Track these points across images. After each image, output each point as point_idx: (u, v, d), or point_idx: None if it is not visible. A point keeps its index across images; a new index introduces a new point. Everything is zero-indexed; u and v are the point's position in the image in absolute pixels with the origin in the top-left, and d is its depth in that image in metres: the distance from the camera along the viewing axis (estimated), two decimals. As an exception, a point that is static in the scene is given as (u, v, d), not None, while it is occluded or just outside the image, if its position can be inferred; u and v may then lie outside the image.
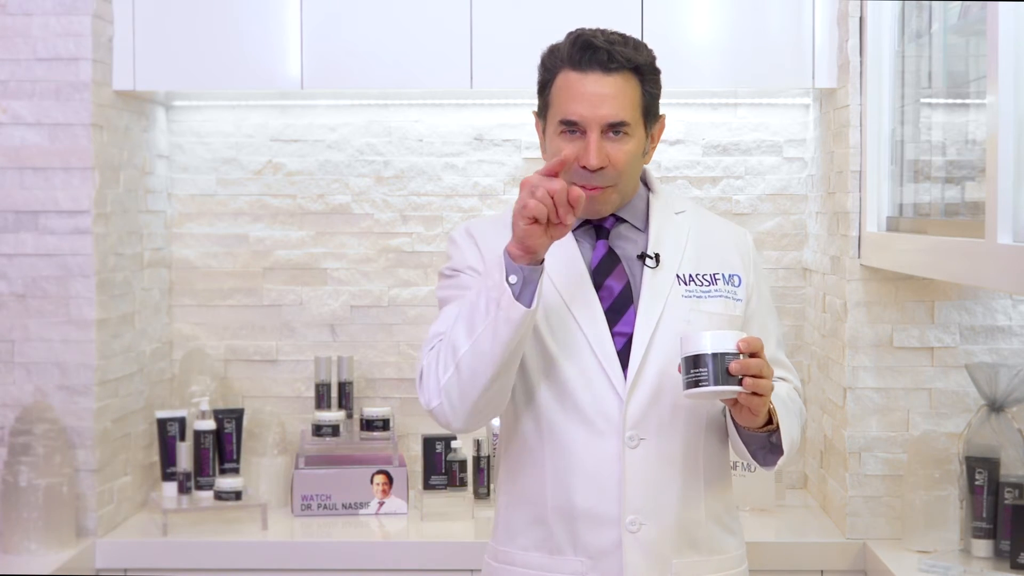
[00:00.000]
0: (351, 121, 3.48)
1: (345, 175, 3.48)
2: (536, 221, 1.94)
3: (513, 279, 1.98)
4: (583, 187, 2.08)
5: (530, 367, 2.15)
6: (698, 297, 2.16)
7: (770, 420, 2.07)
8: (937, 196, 2.73)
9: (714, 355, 1.93)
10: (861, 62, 2.92)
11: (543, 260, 2.01)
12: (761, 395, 1.97)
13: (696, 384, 1.94)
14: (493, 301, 1.99)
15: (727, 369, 1.93)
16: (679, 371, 1.98)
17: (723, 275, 2.19)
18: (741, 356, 1.94)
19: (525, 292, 1.99)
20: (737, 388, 1.94)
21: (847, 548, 2.91)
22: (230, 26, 3.08)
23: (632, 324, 2.13)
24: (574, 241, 2.18)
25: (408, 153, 3.48)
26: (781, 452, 2.09)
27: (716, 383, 1.93)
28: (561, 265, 2.16)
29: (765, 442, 2.12)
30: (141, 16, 3.06)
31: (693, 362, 1.95)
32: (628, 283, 2.16)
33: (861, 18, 2.93)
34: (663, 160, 3.43)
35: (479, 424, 2.13)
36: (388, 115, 3.48)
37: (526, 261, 1.98)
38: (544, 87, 2.18)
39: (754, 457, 2.14)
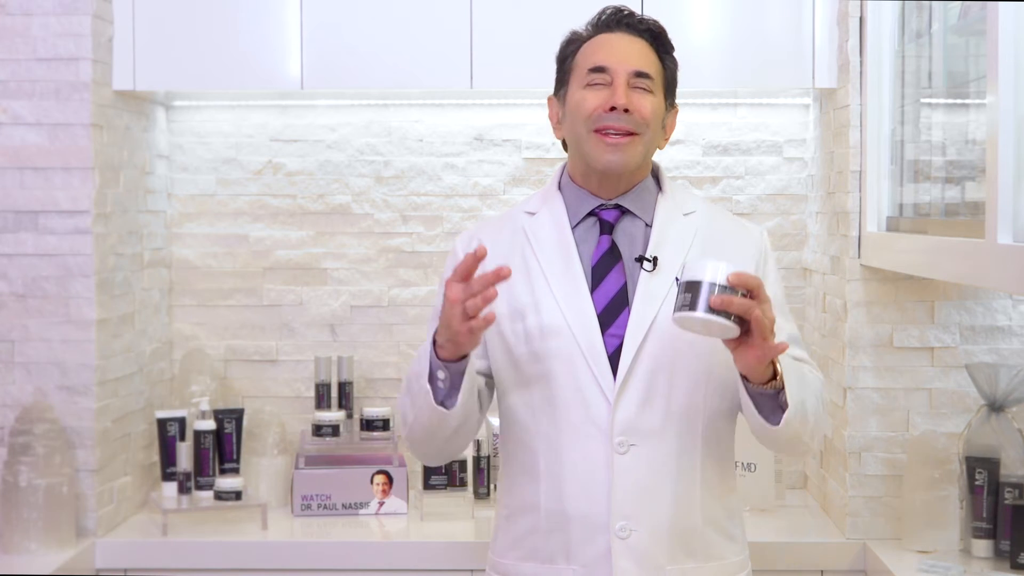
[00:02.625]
0: (351, 121, 3.48)
1: (345, 175, 3.48)
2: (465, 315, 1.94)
3: (441, 375, 2.04)
4: (607, 132, 2.10)
5: (524, 371, 2.14)
6: None
7: (775, 376, 2.00)
8: (937, 196, 2.73)
9: (709, 284, 1.87)
10: (861, 62, 2.92)
11: (467, 355, 2.02)
12: (752, 326, 1.89)
13: (682, 308, 1.90)
14: (423, 392, 2.05)
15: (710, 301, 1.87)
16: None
17: None
18: (732, 291, 1.87)
19: (452, 389, 2.04)
20: (720, 320, 1.87)
21: (847, 548, 2.91)
22: (230, 26, 3.08)
23: (626, 327, 2.11)
24: (572, 240, 2.17)
25: (408, 153, 3.48)
26: (785, 408, 2.00)
27: (701, 310, 1.87)
28: (558, 264, 2.15)
29: (775, 405, 2.03)
30: (141, 16, 3.06)
31: (685, 287, 1.90)
32: (625, 284, 2.13)
33: (861, 18, 2.93)
34: (663, 160, 3.43)
35: (452, 459, 2.32)
36: (388, 115, 3.48)
37: (452, 354, 2.00)
38: (565, 59, 2.21)
39: (765, 419, 2.04)
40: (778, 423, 2.02)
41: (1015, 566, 2.64)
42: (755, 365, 1.96)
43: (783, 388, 2.00)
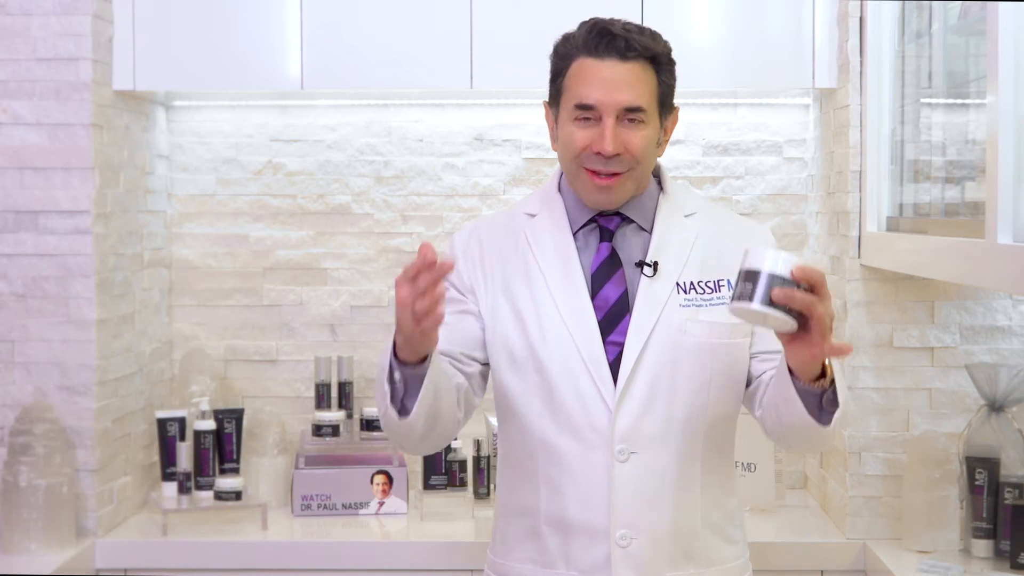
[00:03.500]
0: (351, 121, 3.48)
1: (345, 175, 3.48)
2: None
3: (397, 376, 1.96)
4: (597, 174, 2.07)
5: (524, 375, 2.13)
6: (698, 306, 2.11)
7: (822, 375, 1.93)
8: (937, 196, 2.73)
9: (769, 275, 1.80)
10: (861, 62, 2.92)
11: (427, 357, 1.94)
12: (812, 324, 1.82)
13: (739, 298, 1.83)
14: (382, 393, 1.98)
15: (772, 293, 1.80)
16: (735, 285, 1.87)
17: (729, 281, 2.13)
18: (795, 284, 1.81)
19: (409, 393, 1.96)
20: (778, 314, 1.80)
21: (847, 548, 2.91)
22: (230, 26, 3.08)
23: (627, 334, 2.10)
24: (573, 246, 2.15)
25: (408, 153, 3.48)
26: (836, 406, 1.93)
27: (759, 303, 1.80)
28: (558, 271, 2.13)
29: (818, 401, 1.96)
30: (141, 16, 3.06)
31: (744, 275, 1.83)
32: (626, 291, 2.12)
33: (861, 18, 2.93)
34: (663, 160, 3.42)
35: (436, 449, 2.19)
36: (388, 115, 3.48)
37: (410, 356, 1.93)
38: (557, 75, 2.15)
39: (810, 414, 1.95)
40: (828, 422, 1.95)
41: (1015, 566, 2.64)
42: (809, 362, 1.89)
43: (830, 386, 1.93)
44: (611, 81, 2.06)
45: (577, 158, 2.09)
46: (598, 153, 2.06)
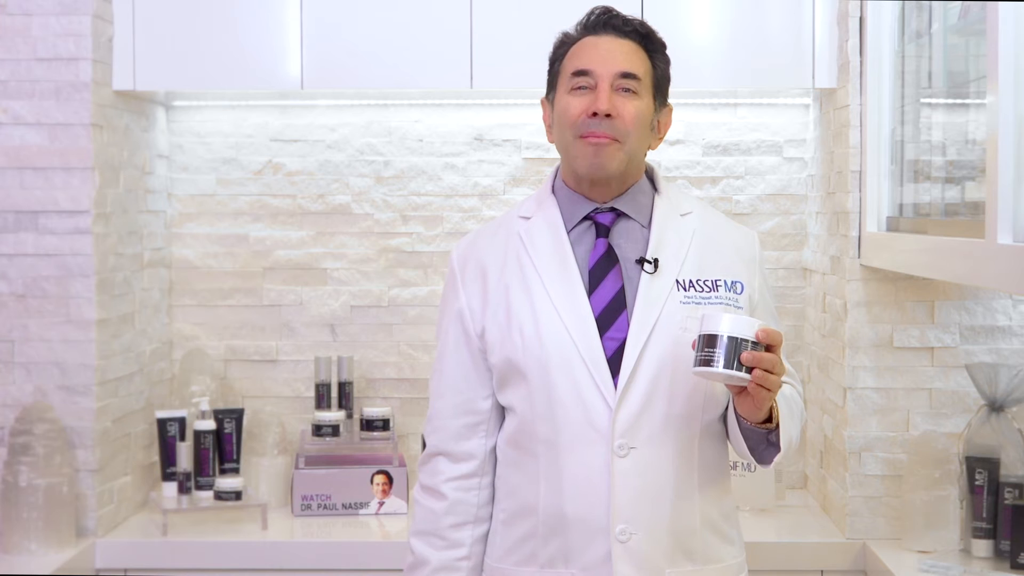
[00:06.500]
0: (351, 121, 3.48)
1: (345, 175, 3.48)
2: None
3: None
4: (590, 136, 2.10)
5: (523, 375, 2.12)
6: (697, 304, 2.11)
7: (770, 418, 2.04)
8: (937, 196, 2.73)
9: (731, 339, 1.91)
10: (861, 62, 2.93)
11: None
12: (768, 389, 1.95)
13: (706, 363, 1.92)
14: None
15: (739, 356, 1.91)
16: (692, 347, 1.96)
17: (725, 282, 2.15)
18: (759, 346, 1.92)
19: None
20: (745, 376, 1.92)
21: (847, 548, 2.91)
22: (230, 26, 3.08)
23: (624, 330, 2.10)
24: (568, 243, 2.15)
25: (408, 153, 3.48)
26: (778, 449, 2.07)
27: (726, 367, 1.91)
28: (554, 268, 2.13)
29: (763, 439, 2.09)
30: (141, 16, 3.06)
31: (708, 341, 1.92)
32: (623, 287, 2.12)
33: (861, 18, 2.93)
34: (663, 160, 3.43)
35: None
36: (388, 115, 3.48)
37: None
38: (555, 62, 2.20)
39: (751, 452, 2.12)
40: (768, 462, 2.11)
41: (1015, 566, 2.65)
42: (756, 411, 2.00)
43: (776, 427, 2.06)
44: (607, 51, 2.14)
45: (573, 126, 2.12)
46: (594, 115, 2.09)
